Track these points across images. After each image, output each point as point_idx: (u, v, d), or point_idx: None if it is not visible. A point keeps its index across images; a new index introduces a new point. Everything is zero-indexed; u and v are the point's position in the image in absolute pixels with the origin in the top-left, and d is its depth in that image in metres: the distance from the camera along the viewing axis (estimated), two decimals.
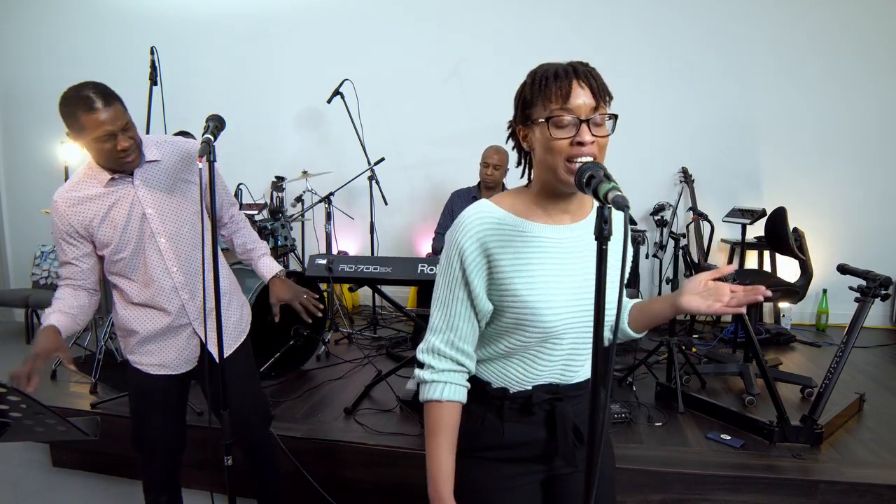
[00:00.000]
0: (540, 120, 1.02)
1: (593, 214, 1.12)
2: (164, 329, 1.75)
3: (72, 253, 1.66)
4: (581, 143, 0.99)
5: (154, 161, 1.70)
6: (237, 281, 1.99)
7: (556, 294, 1.05)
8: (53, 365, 3.34)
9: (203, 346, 1.82)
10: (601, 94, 1.01)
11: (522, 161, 1.15)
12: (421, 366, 1.11)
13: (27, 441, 2.84)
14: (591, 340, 1.09)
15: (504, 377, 1.12)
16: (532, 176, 1.12)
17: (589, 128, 0.99)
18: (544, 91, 1.01)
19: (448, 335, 1.09)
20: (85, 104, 1.50)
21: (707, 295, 1.08)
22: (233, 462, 1.65)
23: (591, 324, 1.07)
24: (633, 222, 3.82)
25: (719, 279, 1.10)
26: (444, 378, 1.09)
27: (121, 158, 1.59)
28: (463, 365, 1.11)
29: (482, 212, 1.07)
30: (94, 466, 2.83)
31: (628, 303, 1.25)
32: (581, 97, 0.99)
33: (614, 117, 1.03)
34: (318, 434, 2.53)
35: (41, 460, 2.92)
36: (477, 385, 1.14)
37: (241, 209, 2.57)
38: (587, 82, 1.01)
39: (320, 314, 1.95)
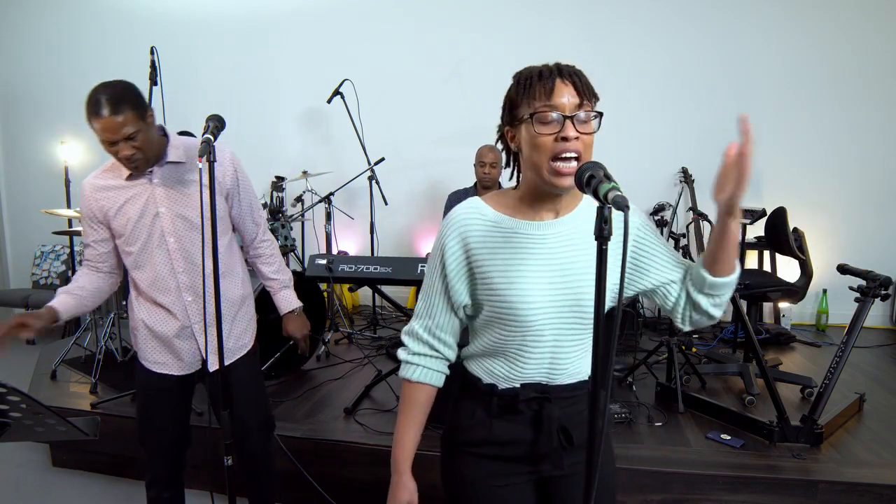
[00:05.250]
0: (525, 117, 1.03)
1: (578, 210, 1.12)
2: (172, 332, 1.77)
3: (91, 235, 1.75)
4: (565, 139, 0.99)
5: (177, 163, 1.71)
6: (252, 297, 1.97)
7: (533, 289, 1.05)
8: (54, 365, 3.33)
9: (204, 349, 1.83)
10: (585, 92, 1.02)
11: (511, 162, 1.16)
12: (402, 345, 1.18)
13: (27, 441, 2.83)
14: (575, 337, 1.09)
15: (492, 373, 1.13)
16: (520, 177, 1.13)
17: (573, 124, 1.00)
18: (529, 90, 1.02)
19: (426, 321, 1.15)
20: (93, 108, 1.52)
21: (728, 179, 1.01)
22: (233, 462, 1.65)
23: (574, 320, 1.07)
24: None
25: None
26: (416, 360, 1.16)
27: (125, 163, 1.62)
28: (438, 351, 1.16)
29: (468, 208, 1.11)
30: (94, 466, 2.83)
31: (696, 262, 1.16)
32: (565, 94, 1.00)
33: (599, 115, 1.03)
34: (318, 434, 2.53)
35: (41, 460, 2.92)
36: (469, 380, 1.17)
37: None
38: (571, 80, 1.02)
39: (307, 356, 1.97)
